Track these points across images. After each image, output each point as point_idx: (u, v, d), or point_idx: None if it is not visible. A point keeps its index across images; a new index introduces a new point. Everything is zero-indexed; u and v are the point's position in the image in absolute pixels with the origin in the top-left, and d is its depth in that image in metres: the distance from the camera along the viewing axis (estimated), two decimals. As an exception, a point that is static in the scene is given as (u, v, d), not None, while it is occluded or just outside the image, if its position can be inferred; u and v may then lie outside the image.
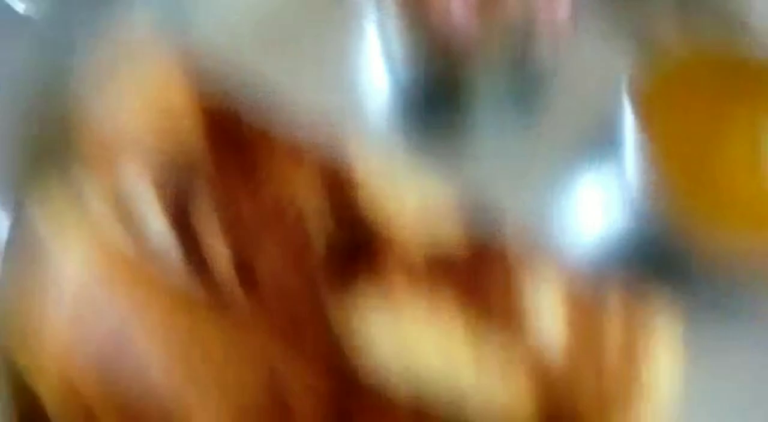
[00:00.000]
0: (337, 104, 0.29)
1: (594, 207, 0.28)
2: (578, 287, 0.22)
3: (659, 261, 0.26)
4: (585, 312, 0.22)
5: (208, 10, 0.31)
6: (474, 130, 0.31)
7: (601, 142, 0.28)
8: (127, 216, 0.22)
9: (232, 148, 0.22)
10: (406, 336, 0.21)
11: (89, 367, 0.20)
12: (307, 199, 0.22)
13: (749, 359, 0.25)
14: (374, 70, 0.31)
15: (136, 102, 0.23)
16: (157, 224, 0.22)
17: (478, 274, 0.22)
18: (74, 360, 0.20)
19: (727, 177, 0.25)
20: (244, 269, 0.21)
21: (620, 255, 0.27)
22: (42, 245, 0.22)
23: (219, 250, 0.21)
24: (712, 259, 0.26)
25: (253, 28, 0.31)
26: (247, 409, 0.19)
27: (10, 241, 0.25)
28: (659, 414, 0.21)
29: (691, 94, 0.26)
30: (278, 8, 0.31)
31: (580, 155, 0.29)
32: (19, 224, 0.25)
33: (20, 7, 0.33)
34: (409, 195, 0.24)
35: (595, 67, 0.29)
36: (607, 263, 0.27)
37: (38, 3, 0.34)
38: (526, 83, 0.30)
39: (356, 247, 0.22)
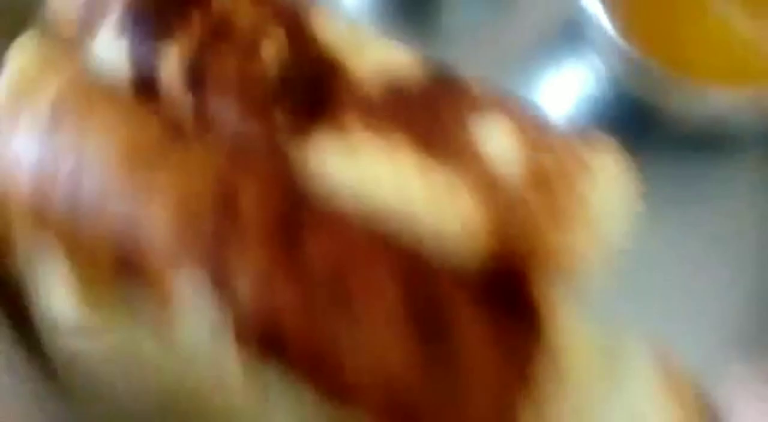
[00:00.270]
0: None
1: (565, 74, 0.29)
2: (531, 126, 0.23)
3: (628, 121, 0.27)
4: (535, 145, 0.22)
5: None
6: (446, 12, 0.31)
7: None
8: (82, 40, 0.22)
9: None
10: (359, 167, 0.22)
11: (50, 189, 0.21)
12: (258, 19, 0.22)
13: (702, 216, 0.26)
14: None
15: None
16: (116, 50, 0.22)
17: (432, 107, 0.22)
18: (35, 185, 0.21)
19: (689, 35, 0.25)
20: (195, 72, 0.21)
21: (589, 116, 0.28)
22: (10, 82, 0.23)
23: (171, 59, 0.21)
24: (678, 115, 0.26)
25: None
26: (195, 214, 0.20)
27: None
28: (604, 246, 0.21)
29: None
30: None
31: (549, 30, 0.29)
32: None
33: None
34: (371, 46, 0.24)
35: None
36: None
37: None
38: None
39: (312, 79, 0.22)
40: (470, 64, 0.25)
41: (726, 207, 0.26)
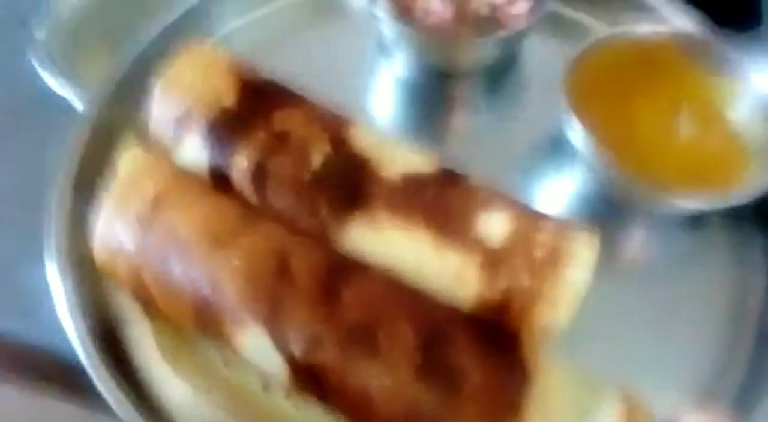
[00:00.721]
0: (344, 88, 0.37)
1: (553, 176, 0.35)
2: (523, 215, 0.29)
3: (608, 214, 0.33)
4: (525, 228, 0.28)
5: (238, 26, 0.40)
6: (457, 114, 0.38)
7: (552, 124, 0.35)
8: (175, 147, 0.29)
9: (260, 100, 0.30)
10: (386, 243, 0.28)
11: (148, 263, 0.27)
12: (309, 135, 0.29)
13: (666, 283, 0.31)
14: (372, 61, 0.39)
15: (191, 73, 0.31)
16: (199, 155, 0.29)
17: (444, 197, 0.28)
18: (138, 259, 0.27)
19: (644, 142, 0.32)
20: (259, 176, 0.28)
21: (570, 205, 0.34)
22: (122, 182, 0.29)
23: (240, 163, 0.28)
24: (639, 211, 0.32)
25: (275, 36, 0.39)
26: (259, 282, 0.26)
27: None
28: (570, 303, 0.26)
29: (609, 79, 0.33)
30: (291, 18, 0.40)
31: (541, 138, 0.36)
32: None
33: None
34: (395, 149, 0.31)
35: (550, 57, 0.36)
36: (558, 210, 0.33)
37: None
38: (497, 69, 0.37)
39: (348, 176, 0.29)
40: (475, 163, 0.31)
41: (690, 275, 0.31)
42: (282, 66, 0.35)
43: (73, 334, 0.28)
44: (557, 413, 0.23)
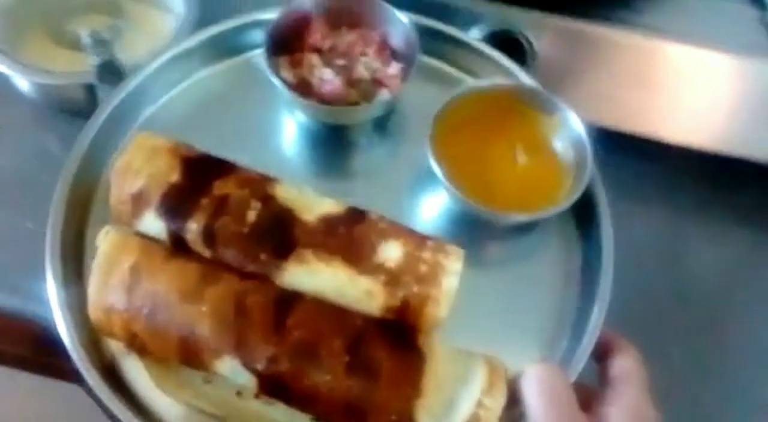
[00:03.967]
0: (268, 151, 0.46)
1: (430, 201, 0.46)
2: (412, 239, 0.39)
3: (471, 227, 0.44)
4: (413, 250, 0.38)
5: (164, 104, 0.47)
6: (354, 157, 0.48)
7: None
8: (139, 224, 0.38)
9: (199, 173, 0.38)
10: (315, 279, 0.37)
11: (137, 319, 0.35)
12: (243, 197, 0.38)
13: (518, 272, 0.43)
14: (287, 128, 0.48)
15: (139, 158, 0.39)
16: (157, 225, 0.38)
17: (352, 234, 0.38)
18: (128, 317, 0.36)
19: (491, 178, 0.43)
20: (209, 236, 0.37)
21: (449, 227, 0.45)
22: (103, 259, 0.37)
23: (192, 228, 0.37)
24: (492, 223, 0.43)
25: (197, 111, 0.47)
26: (225, 321, 0.35)
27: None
28: (449, 301, 0.37)
29: (465, 122, 0.44)
30: (214, 94, 0.48)
31: (420, 168, 0.46)
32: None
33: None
34: (312, 199, 0.40)
35: (421, 105, 0.46)
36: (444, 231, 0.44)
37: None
38: (381, 123, 0.47)
39: (279, 227, 0.38)
40: (369, 195, 0.41)
41: (529, 267, 0.43)
42: (207, 133, 0.43)
43: (81, 366, 0.37)
44: (446, 382, 0.34)
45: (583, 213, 0.43)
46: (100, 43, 0.49)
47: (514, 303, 0.42)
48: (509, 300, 0.42)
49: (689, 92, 0.53)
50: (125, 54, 0.50)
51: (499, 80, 0.47)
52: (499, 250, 0.46)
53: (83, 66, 0.50)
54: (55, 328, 0.38)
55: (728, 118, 0.52)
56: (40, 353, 0.55)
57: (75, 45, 0.55)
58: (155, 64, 0.46)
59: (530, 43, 0.53)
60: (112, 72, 0.49)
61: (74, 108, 0.53)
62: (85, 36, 0.49)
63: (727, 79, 0.52)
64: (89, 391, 0.37)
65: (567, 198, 0.41)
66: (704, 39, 0.52)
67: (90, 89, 0.51)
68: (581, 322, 0.40)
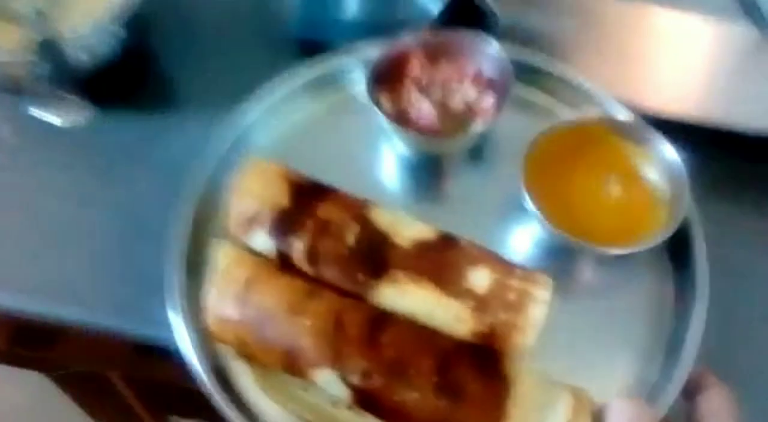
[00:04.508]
0: (367, 177, 0.49)
1: (520, 229, 0.47)
2: (501, 266, 0.40)
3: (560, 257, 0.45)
4: (501, 277, 0.40)
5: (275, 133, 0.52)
6: (447, 183, 0.50)
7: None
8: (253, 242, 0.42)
9: (306, 197, 0.42)
10: (406, 300, 0.40)
11: (248, 328, 0.40)
12: (343, 219, 0.41)
13: (608, 306, 0.43)
14: (385, 156, 0.51)
15: (255, 183, 0.43)
16: (267, 243, 0.42)
17: (443, 259, 0.40)
18: (240, 326, 0.40)
19: (582, 209, 0.44)
20: (312, 255, 0.40)
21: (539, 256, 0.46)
22: (222, 272, 0.42)
23: (298, 247, 0.40)
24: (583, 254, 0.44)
25: (305, 137, 0.51)
26: (325, 335, 0.38)
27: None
28: (532, 337, 0.38)
29: (558, 154, 0.45)
30: (319, 125, 0.52)
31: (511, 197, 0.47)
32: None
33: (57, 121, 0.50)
34: (406, 223, 0.43)
35: (513, 134, 0.47)
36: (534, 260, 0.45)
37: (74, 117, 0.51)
38: (475, 151, 0.49)
39: (374, 249, 0.41)
40: (461, 222, 0.43)
41: (620, 300, 0.44)
42: (312, 158, 0.47)
43: (198, 369, 0.41)
44: (532, 409, 0.36)
45: (677, 244, 0.43)
46: (41, 18, 0.49)
47: (603, 336, 0.42)
48: (599, 333, 0.43)
49: (667, 58, 0.52)
50: (65, 29, 0.50)
51: (590, 112, 0.47)
52: (589, 281, 0.46)
53: (24, 42, 0.49)
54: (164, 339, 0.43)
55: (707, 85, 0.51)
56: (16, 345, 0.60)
57: (15, 21, 0.52)
58: (269, 100, 0.51)
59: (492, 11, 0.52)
60: (52, 50, 0.49)
61: (14, 87, 0.52)
62: (25, 12, 0.49)
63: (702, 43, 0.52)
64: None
65: (661, 230, 0.41)
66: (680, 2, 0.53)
67: (32, 67, 0.50)
68: (672, 357, 0.40)
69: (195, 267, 0.45)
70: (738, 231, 0.49)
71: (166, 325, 0.43)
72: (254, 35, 0.60)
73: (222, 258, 0.41)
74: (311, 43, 0.55)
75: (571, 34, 0.54)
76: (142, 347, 0.48)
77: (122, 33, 0.53)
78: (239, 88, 0.51)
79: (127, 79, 0.58)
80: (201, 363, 0.41)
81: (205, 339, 0.42)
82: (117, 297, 0.48)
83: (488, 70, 0.49)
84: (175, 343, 0.42)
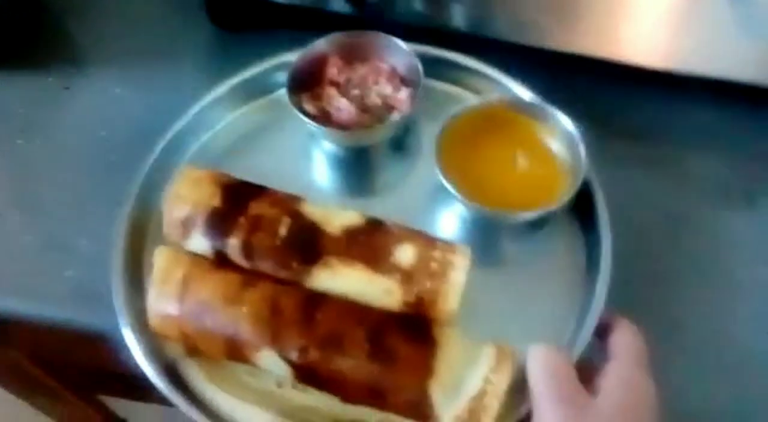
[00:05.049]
0: (298, 177, 0.52)
1: (445, 210, 0.50)
2: (425, 241, 0.44)
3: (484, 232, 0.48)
4: (424, 251, 0.43)
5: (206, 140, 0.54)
6: (375, 175, 0.54)
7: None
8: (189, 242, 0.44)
9: (237, 196, 0.44)
10: (340, 281, 0.42)
11: (189, 322, 0.42)
12: (274, 214, 0.44)
13: (529, 268, 0.47)
14: (314, 155, 0.54)
15: (186, 188, 0.46)
16: (203, 244, 0.44)
17: (372, 241, 0.43)
18: (182, 321, 0.42)
19: (495, 183, 0.47)
20: (247, 250, 0.42)
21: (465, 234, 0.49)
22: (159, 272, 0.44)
23: (233, 244, 0.43)
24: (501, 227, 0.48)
25: (236, 142, 0.54)
26: (263, 320, 0.40)
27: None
28: (456, 302, 0.42)
29: (469, 134, 0.48)
30: (249, 129, 0.55)
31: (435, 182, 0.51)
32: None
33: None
34: (335, 212, 0.46)
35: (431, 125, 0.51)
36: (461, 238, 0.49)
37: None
38: (397, 143, 0.53)
39: (307, 239, 0.44)
40: (389, 207, 0.46)
41: (544, 261, 0.47)
42: (243, 163, 0.50)
43: (149, 371, 0.43)
44: (457, 364, 0.39)
45: (583, 208, 0.47)
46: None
47: (526, 299, 0.46)
48: (522, 296, 0.46)
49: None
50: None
51: (495, 95, 0.52)
52: (510, 251, 0.50)
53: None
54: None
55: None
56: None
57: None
58: (197, 107, 0.53)
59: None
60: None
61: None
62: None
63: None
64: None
65: (567, 192, 0.45)
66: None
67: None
68: (586, 307, 0.43)
69: (137, 276, 0.47)
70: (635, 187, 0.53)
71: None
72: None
73: (159, 259, 0.43)
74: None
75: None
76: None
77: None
78: (148, 47, 0.53)
79: (16, 35, 0.57)
80: (152, 364, 0.43)
81: (151, 339, 0.44)
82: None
83: (400, 66, 0.53)
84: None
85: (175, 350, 0.44)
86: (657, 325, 0.41)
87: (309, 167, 0.54)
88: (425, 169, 0.51)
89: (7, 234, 0.52)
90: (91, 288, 0.48)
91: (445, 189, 0.46)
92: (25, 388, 0.78)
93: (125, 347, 0.44)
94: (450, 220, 0.50)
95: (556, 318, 0.45)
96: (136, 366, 0.43)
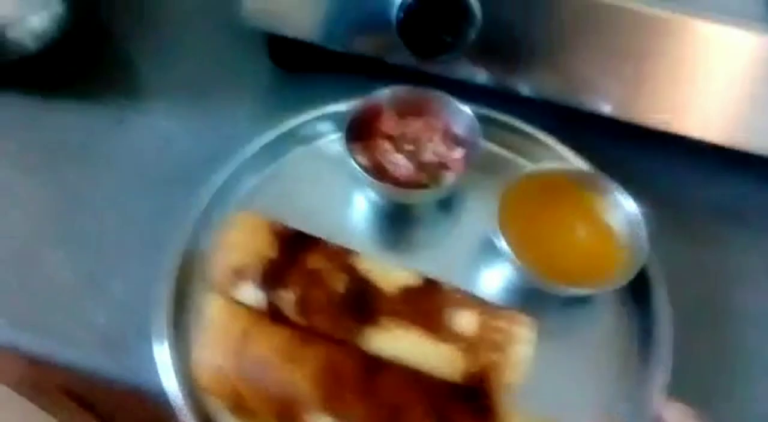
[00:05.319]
0: (343, 226, 0.51)
1: (488, 272, 0.50)
2: (483, 308, 0.43)
3: (530, 298, 0.48)
4: (487, 320, 0.42)
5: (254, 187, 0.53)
6: (418, 231, 0.53)
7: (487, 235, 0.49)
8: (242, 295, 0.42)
9: (292, 248, 0.43)
10: (394, 344, 0.41)
11: (245, 380, 0.40)
12: (330, 269, 0.42)
13: (581, 344, 0.46)
14: (357, 205, 0.53)
15: (241, 235, 0.44)
16: (258, 296, 0.42)
17: (426, 303, 0.42)
18: (237, 378, 0.40)
19: (551, 253, 0.47)
20: (303, 305, 0.41)
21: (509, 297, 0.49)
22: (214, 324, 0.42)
23: (288, 298, 0.41)
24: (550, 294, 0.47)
25: (281, 188, 0.53)
26: (319, 381, 0.38)
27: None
28: (520, 375, 0.41)
29: (527, 202, 0.48)
30: (293, 176, 0.54)
31: (480, 242, 0.51)
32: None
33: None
34: (389, 270, 0.45)
35: (478, 185, 0.51)
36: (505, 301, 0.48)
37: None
38: (445, 201, 0.52)
39: (361, 296, 0.42)
40: (437, 267, 0.46)
41: (593, 333, 0.47)
42: (287, 209, 0.49)
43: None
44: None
45: (639, 284, 0.47)
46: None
47: (574, 370, 0.46)
48: (570, 367, 0.46)
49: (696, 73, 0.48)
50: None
51: (554, 164, 0.52)
52: (557, 320, 0.49)
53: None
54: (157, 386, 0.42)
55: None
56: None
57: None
58: (245, 155, 0.52)
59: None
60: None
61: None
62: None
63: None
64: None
65: (623, 271, 0.45)
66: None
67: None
68: (641, 388, 0.43)
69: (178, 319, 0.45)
70: (694, 265, 0.52)
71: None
72: (216, 24, 0.60)
73: (214, 310, 0.41)
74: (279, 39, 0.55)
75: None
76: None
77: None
78: (205, 81, 0.52)
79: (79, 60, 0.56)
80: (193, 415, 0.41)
81: (194, 390, 0.42)
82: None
83: (456, 125, 0.53)
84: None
85: (216, 405, 0.42)
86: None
87: (350, 217, 0.53)
88: (469, 228, 0.51)
89: (47, 265, 0.49)
90: (119, 334, 0.46)
91: (492, 252, 0.46)
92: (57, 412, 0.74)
93: (164, 401, 0.41)
94: (492, 283, 0.50)
95: (606, 395, 0.44)
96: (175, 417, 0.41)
